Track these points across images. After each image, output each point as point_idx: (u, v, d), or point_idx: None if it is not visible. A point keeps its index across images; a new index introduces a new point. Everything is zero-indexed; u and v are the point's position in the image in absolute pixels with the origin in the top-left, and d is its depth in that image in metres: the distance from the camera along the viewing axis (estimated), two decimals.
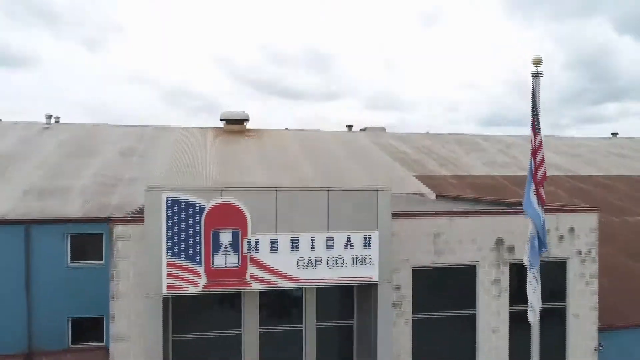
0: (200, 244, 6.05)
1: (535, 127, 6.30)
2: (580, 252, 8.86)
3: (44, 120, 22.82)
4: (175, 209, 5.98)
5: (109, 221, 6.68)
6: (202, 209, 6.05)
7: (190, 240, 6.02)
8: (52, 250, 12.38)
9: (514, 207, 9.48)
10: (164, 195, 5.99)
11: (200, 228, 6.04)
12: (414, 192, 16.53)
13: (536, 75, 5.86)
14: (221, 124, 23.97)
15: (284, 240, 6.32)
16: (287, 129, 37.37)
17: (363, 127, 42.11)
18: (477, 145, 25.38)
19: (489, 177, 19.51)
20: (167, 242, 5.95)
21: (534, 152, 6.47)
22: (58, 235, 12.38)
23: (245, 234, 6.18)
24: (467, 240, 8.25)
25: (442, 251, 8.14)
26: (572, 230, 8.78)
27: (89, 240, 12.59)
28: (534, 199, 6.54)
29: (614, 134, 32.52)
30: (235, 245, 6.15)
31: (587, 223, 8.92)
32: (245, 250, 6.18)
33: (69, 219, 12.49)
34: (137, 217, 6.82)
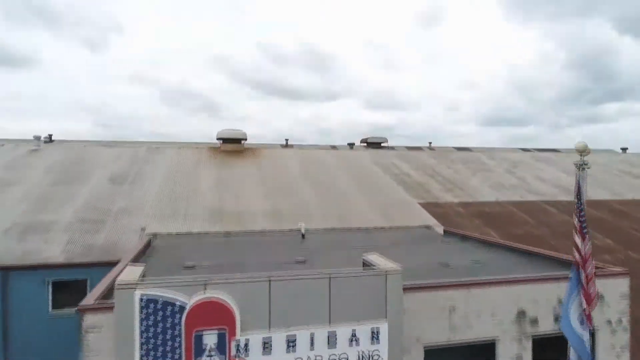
0: (180, 348, 5.16)
1: (582, 229, 5.27)
2: (610, 322, 7.99)
3: (38, 130, 21.97)
4: (151, 308, 5.10)
5: (77, 310, 5.79)
6: (182, 307, 5.16)
7: (169, 344, 5.14)
8: (32, 297, 11.50)
9: (534, 262, 8.58)
10: (138, 294, 5.10)
11: (180, 330, 5.16)
12: (420, 225, 15.65)
13: (581, 167, 4.95)
14: (218, 133, 23.25)
15: (278, 339, 5.43)
16: (286, 141, 36.52)
17: (365, 137, 41.16)
18: (482, 164, 24.50)
19: (496, 204, 18.60)
20: (140, 348, 5.07)
21: (583, 263, 5.30)
22: (38, 282, 11.51)
23: (233, 334, 5.30)
24: (485, 313, 7.37)
25: (458, 327, 7.26)
26: (600, 298, 7.90)
27: (72, 286, 11.71)
28: (575, 318, 5.31)
29: (624, 150, 31.61)
30: (221, 348, 5.27)
31: (617, 288, 8.03)
32: (233, 353, 5.29)
33: (50, 265, 11.62)
34: (111, 304, 5.93)
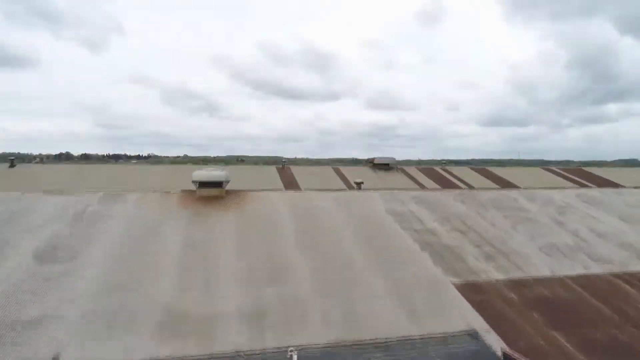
0: None
1: None
2: None
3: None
4: None
5: None
6: None
7: None
8: None
9: None
10: None
11: None
12: (462, 330, 11.15)
13: None
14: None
15: None
16: (283, 164, 32.17)
17: (371, 157, 36.66)
18: (521, 210, 19.98)
19: (556, 281, 14.07)
20: None
21: None
22: None
23: None
24: None
25: None
26: None
27: None
28: None
29: None
30: None
31: None
32: None
33: None
34: None
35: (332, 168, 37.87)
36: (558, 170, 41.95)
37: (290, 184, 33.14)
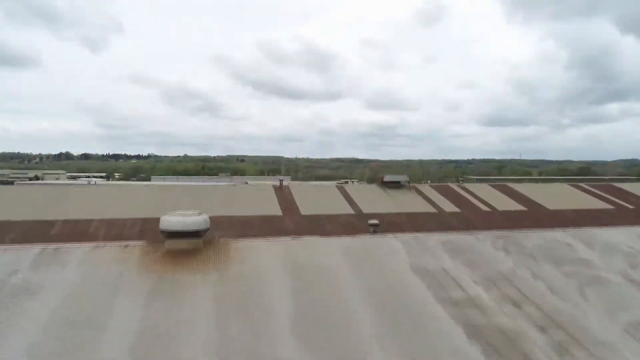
0: None
1: None
2: None
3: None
4: None
5: None
6: None
7: None
8: None
9: None
10: None
11: None
12: None
13: None
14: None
15: None
16: (280, 182, 28.01)
17: (381, 175, 32.83)
18: (583, 263, 15.79)
19: None
20: None
21: None
22: None
23: None
24: None
25: None
26: None
27: None
28: None
29: None
30: None
31: None
32: None
33: None
34: None
35: (337, 186, 33.71)
36: (587, 187, 37.74)
37: (289, 207, 29.00)
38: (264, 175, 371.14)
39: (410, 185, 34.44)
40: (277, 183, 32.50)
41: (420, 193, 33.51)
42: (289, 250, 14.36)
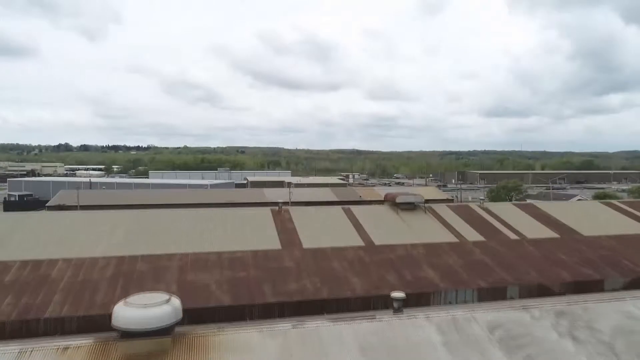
0: None
1: None
2: None
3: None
4: None
5: None
6: None
7: None
8: None
9: None
10: None
11: None
12: None
13: None
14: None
15: None
16: (280, 207, 24.36)
17: (393, 194, 29.52)
18: None
19: None
20: None
21: None
22: None
23: None
24: None
25: None
26: None
27: None
28: None
29: None
30: None
31: None
32: None
33: None
34: None
35: (342, 208, 29.84)
36: (620, 206, 33.86)
37: (289, 238, 25.18)
38: (264, 169, 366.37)
39: (426, 206, 30.57)
40: (276, 207, 28.66)
41: (437, 216, 29.66)
42: (287, 352, 10.54)
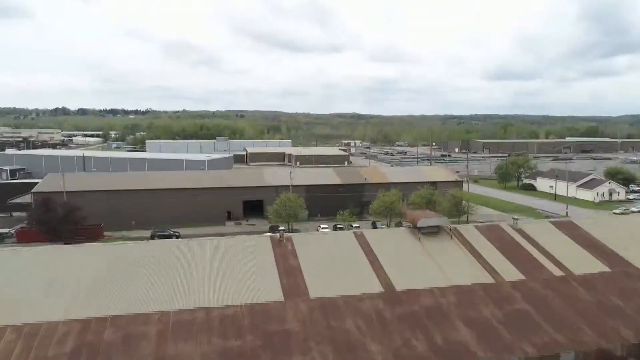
0: None
1: None
2: None
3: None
4: None
5: None
6: None
7: None
8: None
9: None
10: None
11: None
12: None
13: None
14: None
15: None
16: (281, 235, 20.15)
17: (414, 219, 25.14)
18: None
19: None
20: None
21: None
22: None
23: None
24: None
25: None
26: None
27: None
28: None
29: None
30: None
31: None
32: None
33: None
34: None
35: (354, 234, 25.48)
36: None
37: (292, 279, 20.99)
38: (264, 136, 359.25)
39: (452, 230, 26.21)
40: (277, 235, 24.31)
41: (465, 242, 25.35)
42: None
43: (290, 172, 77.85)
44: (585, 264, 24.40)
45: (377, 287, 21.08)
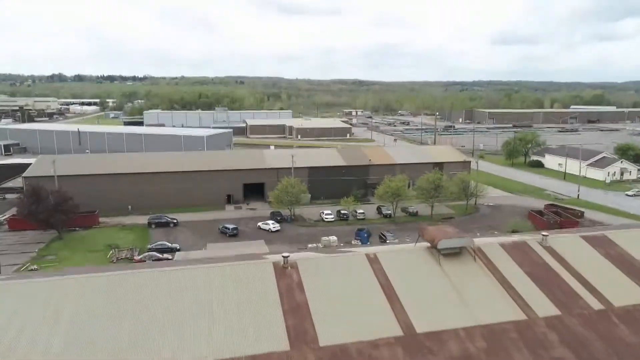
0: None
1: None
2: None
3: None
4: None
5: None
6: None
7: None
8: None
9: None
10: None
11: None
12: None
13: None
14: None
15: None
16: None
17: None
18: None
19: None
20: None
21: None
22: None
23: None
24: None
25: None
26: None
27: None
28: None
29: None
30: None
31: None
32: None
33: None
34: None
35: (366, 255, 22.81)
36: None
37: (299, 319, 18.44)
38: (264, 104, 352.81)
39: (474, 249, 23.52)
40: (280, 260, 21.63)
41: (490, 266, 22.72)
42: None
43: (292, 156, 74.59)
44: (625, 290, 21.84)
45: (395, 329, 18.55)
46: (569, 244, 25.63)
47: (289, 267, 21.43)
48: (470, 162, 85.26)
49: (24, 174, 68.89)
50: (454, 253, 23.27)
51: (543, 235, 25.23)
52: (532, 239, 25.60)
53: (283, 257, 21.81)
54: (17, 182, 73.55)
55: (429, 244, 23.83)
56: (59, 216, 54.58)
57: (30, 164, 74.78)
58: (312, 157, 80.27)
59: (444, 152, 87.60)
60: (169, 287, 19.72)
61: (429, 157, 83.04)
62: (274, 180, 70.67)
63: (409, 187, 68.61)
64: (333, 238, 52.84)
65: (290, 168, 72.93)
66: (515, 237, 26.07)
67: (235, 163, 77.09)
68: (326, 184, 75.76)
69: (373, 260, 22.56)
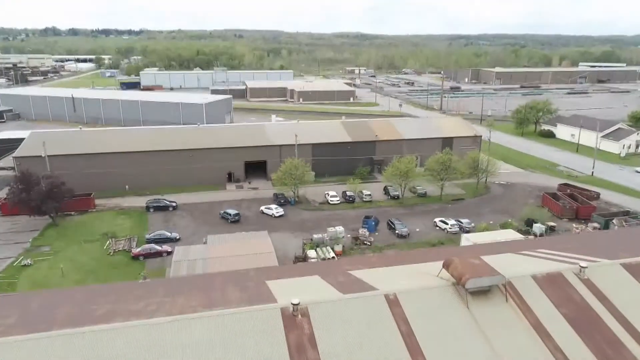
0: None
1: None
2: None
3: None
4: None
5: None
6: None
7: None
8: None
9: None
10: None
11: None
12: None
13: None
14: None
15: None
16: None
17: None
18: None
19: None
20: None
21: None
22: None
23: None
24: None
25: None
26: None
27: None
28: None
29: None
30: None
31: None
32: None
33: None
34: None
35: (385, 296, 20.29)
36: None
37: None
38: (264, 64, 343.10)
39: (506, 286, 21.02)
40: (290, 307, 19.14)
41: (524, 308, 20.29)
42: None
43: (296, 136, 70.92)
44: None
45: None
46: (609, 275, 23.08)
47: (299, 315, 18.98)
48: (481, 137, 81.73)
49: (15, 154, 65.80)
50: (484, 293, 20.79)
51: (581, 267, 22.64)
52: (568, 269, 23.00)
53: (292, 304, 19.29)
54: (7, 163, 70.58)
55: (454, 280, 21.30)
56: (51, 203, 52.04)
57: (23, 139, 71.41)
58: (316, 133, 76.66)
59: (453, 125, 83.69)
60: (160, 352, 17.23)
61: (438, 132, 79.41)
62: (277, 159, 67.66)
63: (417, 165, 65.66)
64: (340, 229, 50.29)
65: (293, 145, 69.69)
66: (550, 266, 23.43)
67: (236, 140, 73.66)
68: (331, 161, 72.73)
69: (393, 303, 20.09)
